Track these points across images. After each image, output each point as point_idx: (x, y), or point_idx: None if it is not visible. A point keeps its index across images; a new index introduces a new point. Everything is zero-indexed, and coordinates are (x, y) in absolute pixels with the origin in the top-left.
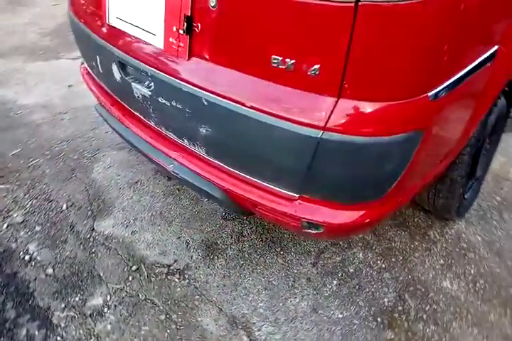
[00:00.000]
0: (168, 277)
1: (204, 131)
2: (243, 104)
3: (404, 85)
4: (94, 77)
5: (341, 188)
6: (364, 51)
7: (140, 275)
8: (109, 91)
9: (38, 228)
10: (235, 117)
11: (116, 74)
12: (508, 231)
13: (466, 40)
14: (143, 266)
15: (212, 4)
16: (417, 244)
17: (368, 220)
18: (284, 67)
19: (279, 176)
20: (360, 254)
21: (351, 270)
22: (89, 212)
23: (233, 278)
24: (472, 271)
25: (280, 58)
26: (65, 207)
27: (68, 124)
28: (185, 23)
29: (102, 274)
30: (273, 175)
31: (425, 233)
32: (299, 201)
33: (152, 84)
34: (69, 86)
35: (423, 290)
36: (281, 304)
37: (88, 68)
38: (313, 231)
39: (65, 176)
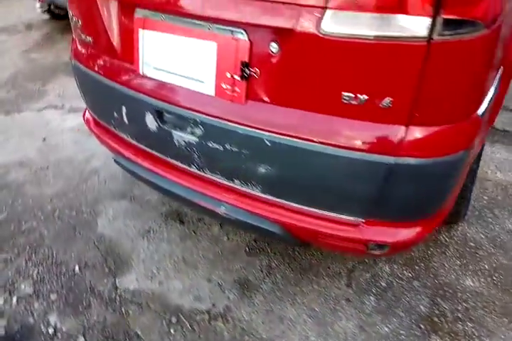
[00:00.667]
0: (211, 322)
1: (263, 170)
2: (311, 141)
3: (466, 107)
4: (111, 128)
5: (407, 208)
6: (434, 82)
7: (181, 327)
8: (133, 141)
9: (53, 296)
10: (301, 153)
11: (151, 123)
12: (503, 226)
13: (497, 62)
14: (181, 316)
15: (274, 50)
16: (432, 250)
17: (425, 234)
18: (355, 102)
19: (344, 204)
20: (387, 267)
21: (383, 284)
22: (107, 270)
23: (276, 311)
24: (486, 267)
25: (352, 95)
26: (77, 268)
27: (54, 180)
28: (242, 69)
29: (139, 333)
30: (338, 203)
31: (436, 239)
32: (364, 225)
33: (200, 130)
34: (43, 139)
35: (451, 291)
36: (329, 329)
37: (100, 119)
38: (378, 252)
39: (67, 235)
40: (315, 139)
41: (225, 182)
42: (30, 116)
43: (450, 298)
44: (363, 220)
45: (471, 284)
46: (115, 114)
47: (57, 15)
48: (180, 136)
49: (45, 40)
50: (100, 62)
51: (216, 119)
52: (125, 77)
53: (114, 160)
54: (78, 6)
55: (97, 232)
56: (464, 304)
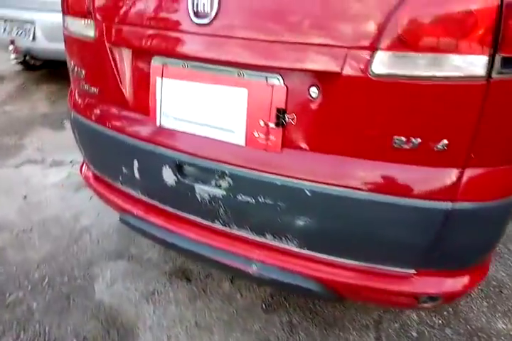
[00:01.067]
0: None
1: (301, 222)
2: (358, 188)
3: None
4: (118, 184)
5: (463, 256)
6: (493, 121)
7: None
8: (145, 197)
9: None
10: (347, 203)
11: (169, 177)
12: None
13: None
14: None
15: (314, 95)
16: None
17: (477, 282)
18: (407, 146)
19: (394, 255)
20: (414, 315)
21: (414, 334)
22: None
23: None
24: None
25: (404, 139)
26: None
27: (40, 242)
28: (278, 116)
29: None
30: (387, 255)
31: None
32: (416, 277)
33: (227, 182)
34: (24, 197)
35: (485, 337)
36: None
37: (104, 175)
38: (429, 305)
39: (60, 306)
40: (362, 187)
41: (256, 237)
42: (8, 173)
43: None
44: (414, 271)
45: (503, 327)
46: (124, 169)
47: (31, 66)
48: (204, 190)
49: (19, 92)
50: (107, 114)
51: (247, 170)
52: (138, 129)
53: (121, 220)
54: (83, 56)
55: (95, 299)
56: None
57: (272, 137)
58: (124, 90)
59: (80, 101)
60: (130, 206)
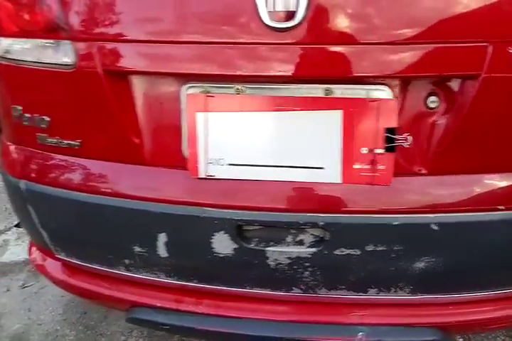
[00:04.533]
0: None
1: (421, 263)
2: (499, 209)
3: None
4: (121, 271)
5: None
6: None
7: None
8: (171, 280)
9: None
10: (485, 227)
11: (223, 245)
12: None
13: None
14: None
15: (433, 106)
16: None
17: None
18: None
19: None
20: None
21: None
22: None
23: None
24: None
25: None
26: None
27: None
28: (388, 138)
29: None
30: None
31: None
32: None
33: (320, 235)
34: None
35: None
36: None
37: (89, 262)
38: None
39: None
40: (502, 206)
41: (353, 296)
42: None
43: None
44: None
45: None
46: (137, 249)
47: None
48: (282, 253)
49: None
50: (100, 174)
51: (349, 215)
52: (162, 190)
53: (130, 319)
54: (47, 94)
55: None
56: None
57: (379, 166)
58: (133, 137)
59: (37, 163)
60: (147, 297)
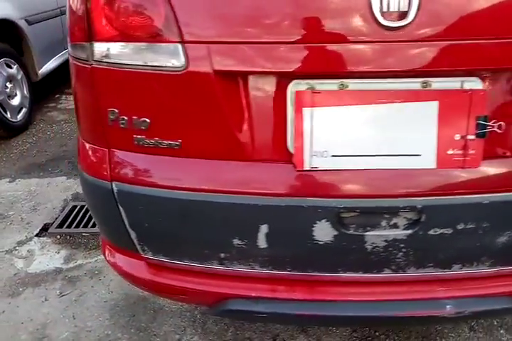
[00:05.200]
0: None
1: (504, 238)
2: None
3: None
4: (210, 265)
5: None
6: None
7: None
8: (265, 270)
9: None
10: None
11: (324, 233)
12: None
13: None
14: None
15: None
16: None
17: None
18: None
19: None
20: None
21: None
22: None
23: None
24: None
25: None
26: None
27: None
28: (479, 125)
29: None
30: None
31: None
32: None
33: (416, 217)
34: None
35: None
36: None
37: (183, 259)
38: None
39: None
40: None
41: (439, 273)
42: None
43: None
44: None
45: None
46: (235, 242)
47: None
48: (380, 236)
49: None
50: (200, 172)
51: (443, 197)
52: (266, 183)
53: (223, 311)
54: (150, 97)
55: None
56: None
57: (471, 151)
58: (237, 134)
59: (132, 165)
60: (241, 289)
